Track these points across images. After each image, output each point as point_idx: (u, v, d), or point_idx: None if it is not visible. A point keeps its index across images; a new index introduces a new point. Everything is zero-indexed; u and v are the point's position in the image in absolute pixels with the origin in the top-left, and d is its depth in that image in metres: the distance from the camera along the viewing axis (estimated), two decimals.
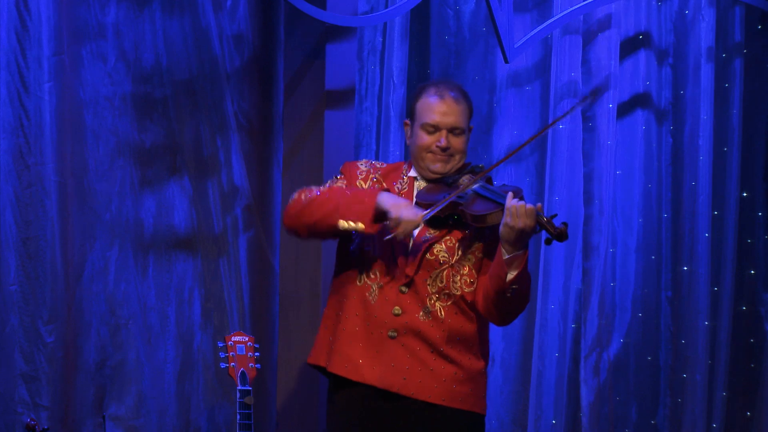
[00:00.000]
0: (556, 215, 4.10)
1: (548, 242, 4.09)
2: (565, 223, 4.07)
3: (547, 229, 4.06)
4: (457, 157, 4.29)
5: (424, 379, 4.19)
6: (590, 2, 5.37)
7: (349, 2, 5.29)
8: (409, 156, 4.39)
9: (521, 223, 4.04)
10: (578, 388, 5.44)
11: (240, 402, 4.35)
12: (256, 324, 5.13)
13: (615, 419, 5.53)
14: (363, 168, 4.39)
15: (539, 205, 4.07)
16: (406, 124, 4.38)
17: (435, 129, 4.27)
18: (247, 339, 4.47)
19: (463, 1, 5.52)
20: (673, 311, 5.60)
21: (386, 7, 5.29)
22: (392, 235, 4.12)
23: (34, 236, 4.76)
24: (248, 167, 5.14)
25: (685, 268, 5.55)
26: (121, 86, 4.96)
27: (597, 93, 4.28)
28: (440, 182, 4.29)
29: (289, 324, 5.26)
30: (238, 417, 4.34)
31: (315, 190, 4.26)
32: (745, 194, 5.65)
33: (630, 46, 5.61)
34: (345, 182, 4.35)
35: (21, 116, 4.76)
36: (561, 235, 4.05)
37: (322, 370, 4.31)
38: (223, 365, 4.43)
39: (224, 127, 5.09)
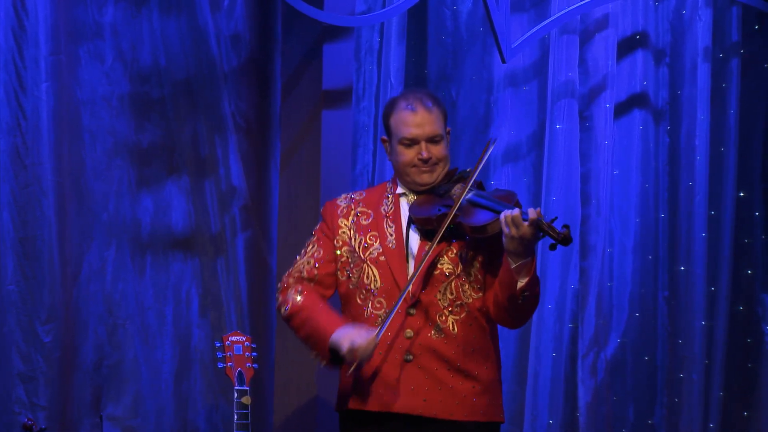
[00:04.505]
0: (556, 218, 4.03)
1: (553, 248, 4.02)
2: (566, 226, 3.99)
3: (550, 235, 3.98)
4: (441, 164, 4.26)
5: (445, 398, 4.18)
6: (588, 2, 5.37)
7: (346, 2, 5.29)
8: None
9: (520, 231, 4.01)
10: (575, 388, 5.43)
11: (237, 402, 4.35)
12: (253, 324, 5.14)
13: (612, 419, 5.53)
14: (343, 205, 4.35)
15: (538, 210, 4.01)
16: (384, 140, 4.33)
17: (413, 142, 4.23)
18: (244, 339, 4.47)
19: (460, 1, 5.52)
20: (670, 311, 5.60)
21: (383, 6, 5.29)
22: (353, 366, 4.12)
23: (32, 236, 4.76)
24: (246, 167, 5.14)
25: (682, 268, 5.55)
26: (119, 86, 4.96)
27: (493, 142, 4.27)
28: (431, 193, 4.26)
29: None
30: (235, 417, 4.34)
31: (290, 302, 4.28)
32: (742, 194, 5.65)
33: (627, 46, 5.61)
34: (318, 240, 4.32)
35: (18, 116, 4.77)
36: (566, 240, 3.97)
37: (346, 412, 4.29)
38: (220, 365, 4.42)
39: (222, 127, 5.10)
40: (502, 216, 4.02)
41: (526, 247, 4.04)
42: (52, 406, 4.78)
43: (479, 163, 4.22)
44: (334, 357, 4.16)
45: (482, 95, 5.53)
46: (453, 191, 4.22)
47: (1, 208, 4.74)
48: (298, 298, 4.27)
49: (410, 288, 4.16)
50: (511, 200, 4.14)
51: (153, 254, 5.01)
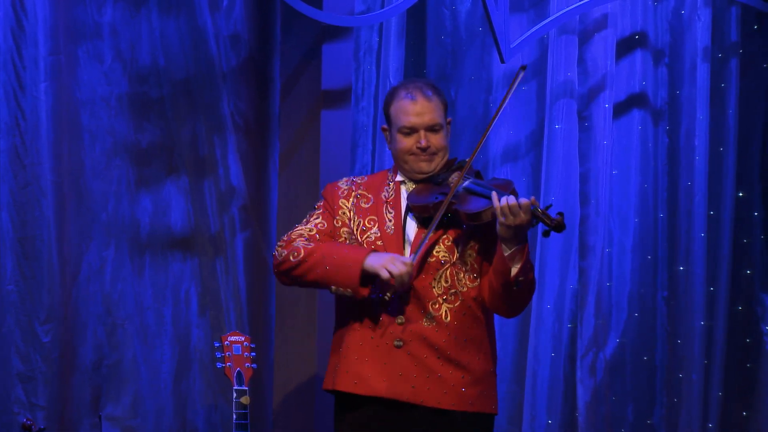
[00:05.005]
0: (551, 206, 4.07)
1: (546, 234, 4.06)
2: (560, 213, 4.02)
3: (544, 221, 4.03)
4: (440, 153, 4.28)
5: (433, 385, 4.18)
6: (587, 2, 5.36)
7: (345, 2, 5.30)
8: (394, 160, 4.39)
9: (516, 219, 4.04)
10: (574, 388, 5.43)
11: (236, 402, 4.35)
12: (252, 324, 5.14)
13: (611, 419, 5.53)
14: (344, 187, 4.36)
15: (533, 198, 4.05)
16: (384, 129, 4.36)
17: (412, 131, 4.25)
18: (243, 339, 4.47)
19: (459, 1, 5.52)
20: (670, 311, 5.60)
21: (382, 6, 5.29)
22: (389, 293, 4.12)
23: (31, 236, 4.77)
24: (245, 167, 5.14)
25: (681, 268, 5.54)
26: (118, 86, 4.96)
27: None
28: (429, 182, 4.28)
29: (285, 323, 5.27)
30: (234, 417, 4.34)
31: (301, 248, 4.23)
32: (741, 194, 5.65)
33: (626, 46, 5.61)
34: (323, 213, 4.32)
35: (17, 116, 4.77)
36: (559, 226, 4.02)
37: (334, 393, 4.30)
38: (219, 365, 4.43)
39: (221, 127, 5.10)
40: (496, 204, 4.04)
41: (519, 235, 4.07)
42: (51, 406, 4.78)
43: (495, 115, 4.25)
44: (364, 283, 4.14)
45: (481, 95, 5.53)
46: (450, 179, 4.24)
47: (0, 208, 4.75)
48: (310, 243, 4.25)
49: None
50: (507, 188, 4.16)
51: (152, 254, 5.02)
